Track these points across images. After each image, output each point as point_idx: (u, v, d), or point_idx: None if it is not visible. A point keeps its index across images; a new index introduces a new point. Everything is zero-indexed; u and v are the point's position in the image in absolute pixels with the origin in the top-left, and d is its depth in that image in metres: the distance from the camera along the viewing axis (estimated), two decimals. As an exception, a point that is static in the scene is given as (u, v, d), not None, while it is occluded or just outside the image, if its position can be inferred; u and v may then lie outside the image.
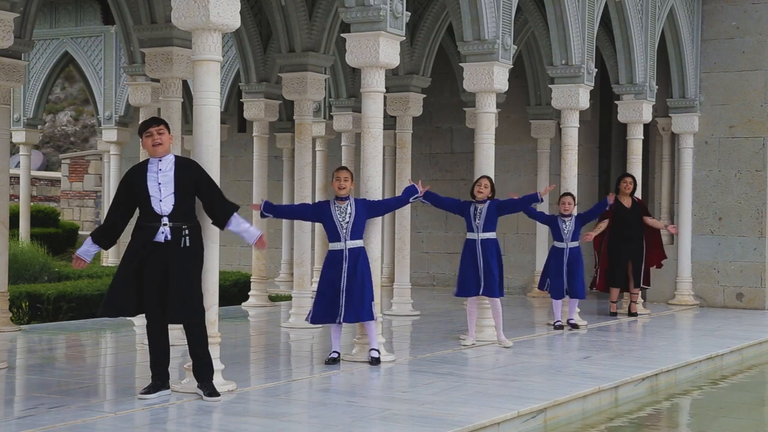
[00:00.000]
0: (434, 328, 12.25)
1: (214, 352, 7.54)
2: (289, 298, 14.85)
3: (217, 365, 7.56)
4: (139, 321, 12.04)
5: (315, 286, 15.93)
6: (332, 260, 9.26)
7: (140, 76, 12.61)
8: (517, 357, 10.04)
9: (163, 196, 7.36)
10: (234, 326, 12.28)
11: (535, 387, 8.38)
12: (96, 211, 27.75)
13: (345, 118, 16.86)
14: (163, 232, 7.32)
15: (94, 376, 8.68)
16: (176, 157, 7.54)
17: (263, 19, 13.98)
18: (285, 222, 18.92)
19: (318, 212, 9.42)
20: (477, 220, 10.63)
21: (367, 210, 9.29)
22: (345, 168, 9.46)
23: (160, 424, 6.65)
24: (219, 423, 6.74)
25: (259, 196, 14.40)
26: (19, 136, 20.14)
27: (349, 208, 9.25)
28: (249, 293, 14.72)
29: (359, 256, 9.21)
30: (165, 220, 7.33)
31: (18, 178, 21.95)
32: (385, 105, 11.00)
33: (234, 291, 15.24)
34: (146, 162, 7.53)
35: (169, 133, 7.59)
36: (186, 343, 7.49)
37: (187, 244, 7.35)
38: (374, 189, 9.39)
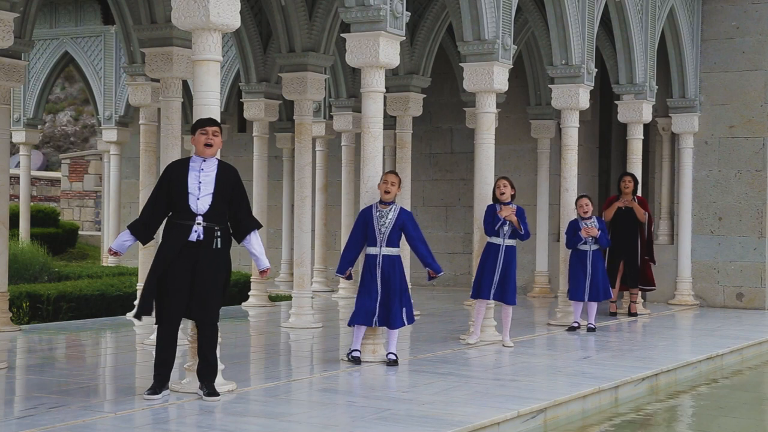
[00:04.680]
0: (434, 328, 12.26)
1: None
2: (289, 298, 14.85)
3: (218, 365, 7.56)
4: (140, 321, 12.03)
5: (315, 286, 16.04)
6: (368, 265, 9.25)
7: (140, 76, 12.61)
8: (517, 357, 10.04)
9: (201, 194, 7.34)
10: (234, 326, 12.27)
11: (535, 387, 8.38)
12: (96, 211, 27.75)
13: (345, 118, 16.86)
14: (196, 231, 7.29)
15: (94, 376, 8.67)
16: (219, 161, 7.53)
17: (263, 19, 13.98)
18: (285, 222, 18.93)
19: (365, 223, 9.29)
20: (505, 225, 10.59)
21: (403, 226, 9.21)
22: (394, 172, 9.39)
23: (160, 424, 6.65)
24: (219, 423, 6.74)
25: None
26: (19, 136, 20.14)
27: (390, 214, 9.21)
28: (249, 293, 14.72)
29: (393, 264, 9.19)
30: (199, 219, 7.31)
31: (18, 178, 21.96)
32: (385, 105, 11.00)
33: (234, 291, 15.23)
34: (187, 159, 7.54)
35: (221, 137, 7.55)
36: (186, 343, 7.49)
37: (219, 245, 7.35)
38: (374, 189, 9.38)
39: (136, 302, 7.65)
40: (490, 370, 9.24)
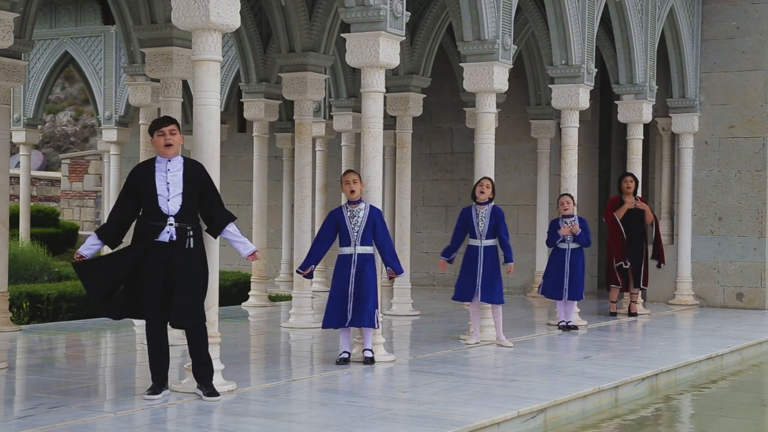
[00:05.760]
0: (434, 328, 12.26)
1: (214, 352, 7.54)
2: (289, 298, 14.85)
3: (217, 365, 7.56)
4: (139, 321, 12.05)
5: (315, 286, 16.04)
6: (341, 265, 9.26)
7: (140, 76, 12.61)
8: (517, 357, 10.04)
9: (171, 195, 7.32)
10: (234, 326, 12.28)
11: (535, 387, 8.38)
12: (96, 211, 27.75)
13: (345, 118, 16.86)
14: (168, 232, 7.28)
15: (94, 376, 8.68)
16: (184, 158, 7.52)
17: (263, 19, 13.98)
18: (285, 222, 18.93)
19: (335, 223, 9.30)
20: (480, 226, 10.62)
21: (375, 223, 9.23)
22: (352, 171, 9.39)
23: (160, 424, 6.65)
24: (219, 423, 6.74)
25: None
26: (19, 136, 20.14)
27: (362, 212, 9.23)
28: (249, 293, 14.73)
29: (367, 262, 9.20)
30: (171, 220, 7.29)
31: (18, 178, 21.95)
32: (385, 105, 11.00)
33: (234, 291, 15.25)
34: (153, 160, 7.50)
35: (180, 133, 7.58)
36: (185, 342, 7.49)
37: (192, 245, 7.33)
38: (374, 189, 9.39)
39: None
40: (490, 370, 9.24)
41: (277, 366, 9.56)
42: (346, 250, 9.25)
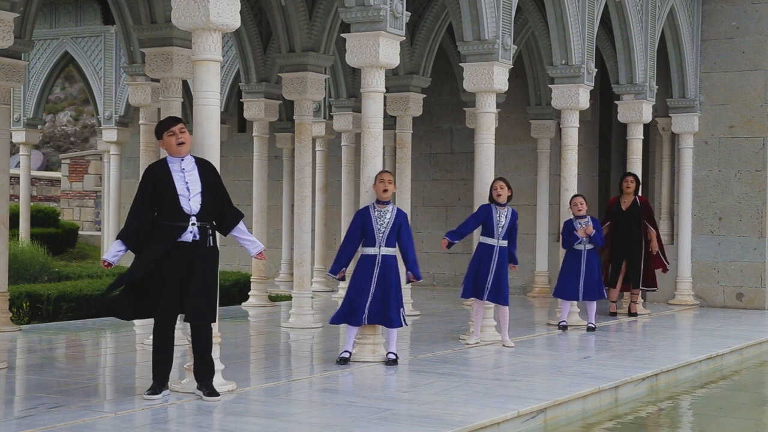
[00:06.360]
0: (434, 328, 12.26)
1: (215, 352, 7.53)
2: (289, 298, 14.86)
3: (217, 365, 7.56)
4: (140, 321, 12.04)
5: (315, 286, 16.04)
6: (364, 265, 9.23)
7: (140, 76, 12.61)
8: (518, 357, 10.04)
9: (191, 195, 7.34)
10: (234, 326, 12.28)
11: (535, 387, 8.38)
12: (96, 211, 27.75)
13: (345, 118, 16.86)
14: (191, 232, 7.29)
15: (94, 376, 8.67)
16: (195, 157, 7.52)
17: (263, 19, 13.98)
18: (285, 222, 18.93)
19: (363, 224, 9.25)
20: (500, 226, 10.64)
21: (400, 226, 9.24)
22: (388, 171, 9.34)
23: (160, 424, 6.65)
24: (219, 423, 6.74)
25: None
26: (19, 136, 20.14)
27: (389, 214, 9.22)
28: (249, 293, 14.73)
29: (392, 264, 9.21)
30: (193, 219, 7.31)
31: (18, 178, 21.95)
32: (385, 105, 10.99)
33: (234, 291, 15.25)
34: (165, 161, 7.49)
35: (188, 132, 7.59)
36: (186, 342, 7.49)
37: (211, 243, 7.38)
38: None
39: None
40: (490, 370, 9.24)
41: (277, 366, 9.56)
42: (371, 251, 9.22)
